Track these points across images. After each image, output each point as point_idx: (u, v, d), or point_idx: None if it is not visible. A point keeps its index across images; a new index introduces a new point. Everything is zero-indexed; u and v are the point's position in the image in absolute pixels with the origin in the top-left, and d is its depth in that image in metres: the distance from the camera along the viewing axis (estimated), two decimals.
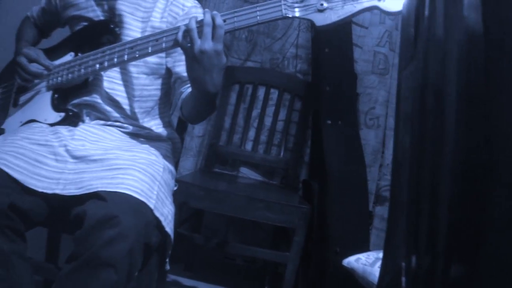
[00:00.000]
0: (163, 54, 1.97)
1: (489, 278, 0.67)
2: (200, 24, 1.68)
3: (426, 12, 0.81)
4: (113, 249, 1.52)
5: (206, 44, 1.66)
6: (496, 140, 0.58)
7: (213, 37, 1.67)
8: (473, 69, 0.63)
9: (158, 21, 2.00)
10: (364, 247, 2.68)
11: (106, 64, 1.86)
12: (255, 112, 3.24)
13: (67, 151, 1.79)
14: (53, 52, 2.06)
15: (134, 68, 1.99)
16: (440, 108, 0.73)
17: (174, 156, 2.12)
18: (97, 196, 1.61)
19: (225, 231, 3.29)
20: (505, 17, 0.60)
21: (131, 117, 2.00)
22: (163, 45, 1.77)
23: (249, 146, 3.22)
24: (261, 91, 3.24)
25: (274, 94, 3.22)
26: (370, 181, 3.19)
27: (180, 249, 3.03)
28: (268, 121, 3.22)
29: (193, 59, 1.68)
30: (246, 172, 3.27)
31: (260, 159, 3.19)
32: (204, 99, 1.81)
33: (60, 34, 2.16)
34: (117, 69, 1.97)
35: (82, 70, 1.92)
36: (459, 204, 0.66)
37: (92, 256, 1.52)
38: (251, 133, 3.23)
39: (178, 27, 1.73)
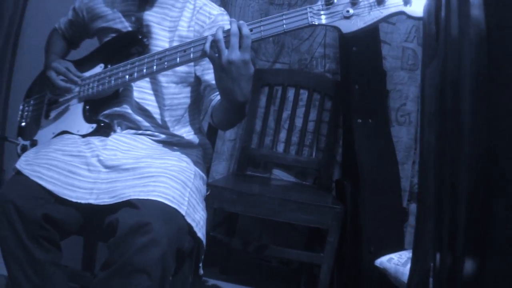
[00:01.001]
0: (191, 63, 1.97)
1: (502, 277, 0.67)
2: (227, 34, 1.68)
3: (443, 12, 0.81)
4: (146, 256, 1.54)
5: (234, 54, 1.66)
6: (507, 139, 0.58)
7: (240, 47, 1.67)
8: (482, 67, 0.63)
9: (186, 30, 2.01)
10: (398, 246, 2.66)
11: (135, 75, 1.89)
12: (286, 114, 3.24)
13: (100, 161, 1.81)
14: (83, 64, 2.09)
15: (164, 78, 2.00)
16: (456, 107, 0.73)
17: (205, 161, 2.13)
18: (129, 204, 1.64)
19: (260, 233, 3.30)
20: (505, 17, 0.60)
21: (162, 126, 2.02)
22: (191, 55, 1.78)
23: (280, 147, 3.22)
24: (291, 93, 3.23)
25: (304, 94, 3.22)
26: (404, 178, 3.17)
27: (216, 252, 3.05)
28: (299, 122, 3.22)
29: (221, 69, 1.68)
30: (278, 174, 3.27)
31: (292, 160, 3.19)
32: (234, 108, 1.82)
33: (90, 45, 2.19)
34: (147, 79, 1.99)
35: (113, 82, 1.95)
36: (476, 203, 0.66)
37: (126, 262, 1.55)
38: (282, 135, 3.23)
39: (206, 38, 1.74)
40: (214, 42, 1.70)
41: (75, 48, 2.33)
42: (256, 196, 2.59)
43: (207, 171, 2.21)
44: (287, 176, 3.27)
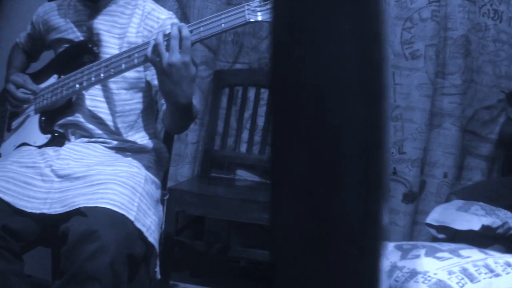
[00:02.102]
0: (141, 68, 1.99)
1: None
2: (168, 37, 1.69)
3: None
4: (95, 263, 1.58)
5: (174, 56, 1.67)
6: None
7: (180, 49, 1.67)
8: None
9: (134, 36, 2.02)
10: None
11: (85, 84, 1.92)
12: (247, 114, 3.23)
13: (53, 171, 1.85)
14: (39, 76, 2.13)
15: (114, 85, 2.02)
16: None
17: (159, 166, 2.13)
18: (79, 212, 1.68)
19: (227, 235, 3.29)
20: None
21: (115, 133, 2.04)
22: (135, 61, 1.81)
23: (243, 148, 3.20)
24: (252, 92, 3.22)
25: (265, 93, 3.21)
26: None
27: (185, 256, 3.04)
28: (260, 121, 3.21)
29: (163, 72, 1.69)
30: (242, 174, 3.26)
31: (255, 160, 3.18)
32: (179, 111, 1.81)
33: (49, 57, 2.22)
34: (98, 86, 2.01)
35: (64, 92, 1.98)
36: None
37: (77, 270, 1.59)
38: (245, 135, 3.22)
39: (148, 42, 1.75)
40: (155, 46, 1.70)
41: (35, 61, 2.37)
42: (216, 198, 2.59)
43: (165, 175, 2.22)
44: (251, 176, 3.26)
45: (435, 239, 2.57)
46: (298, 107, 0.41)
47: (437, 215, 2.53)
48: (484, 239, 2.46)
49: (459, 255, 1.76)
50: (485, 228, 2.39)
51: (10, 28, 3.34)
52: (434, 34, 3.19)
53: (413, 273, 1.64)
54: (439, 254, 1.75)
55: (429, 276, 1.61)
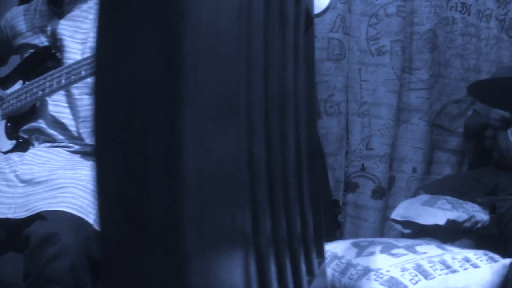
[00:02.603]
0: None
1: None
2: None
3: None
4: (56, 266, 1.59)
5: None
6: None
7: None
8: None
9: None
10: (330, 237, 2.65)
11: (47, 90, 1.92)
12: None
13: (17, 176, 1.85)
14: (5, 82, 2.13)
15: (77, 90, 2.02)
16: None
17: None
18: (40, 216, 1.68)
19: None
20: None
21: (77, 138, 2.03)
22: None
23: None
24: None
25: None
26: (338, 169, 3.17)
27: None
28: None
29: None
30: None
31: None
32: None
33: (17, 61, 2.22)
34: (62, 92, 2.00)
35: (28, 98, 1.98)
36: None
37: (39, 274, 1.60)
38: None
39: None
40: None
41: (3, 65, 2.33)
42: None
43: None
44: None
45: (404, 235, 2.58)
46: (109, 113, 0.40)
47: (402, 210, 2.53)
48: (451, 233, 2.46)
49: (415, 251, 1.75)
50: (450, 222, 2.39)
51: None
52: (400, 30, 3.19)
53: (366, 271, 1.63)
54: (394, 251, 1.74)
55: (382, 274, 1.60)
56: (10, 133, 2.04)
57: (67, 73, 1.86)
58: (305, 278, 1.10)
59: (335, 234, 2.92)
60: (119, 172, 0.39)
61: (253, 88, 0.59)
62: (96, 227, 1.71)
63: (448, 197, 2.58)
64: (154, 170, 0.40)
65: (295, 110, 1.15)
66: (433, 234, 2.43)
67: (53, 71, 1.90)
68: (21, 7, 2.16)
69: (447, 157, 3.28)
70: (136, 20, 0.42)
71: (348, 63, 3.20)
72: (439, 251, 1.79)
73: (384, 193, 3.20)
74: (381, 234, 3.12)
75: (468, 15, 3.27)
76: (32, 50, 2.07)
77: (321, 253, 1.35)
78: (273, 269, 0.79)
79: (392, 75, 3.18)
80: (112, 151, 0.39)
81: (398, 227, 2.53)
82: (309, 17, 1.30)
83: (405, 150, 3.19)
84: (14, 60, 2.30)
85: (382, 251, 1.74)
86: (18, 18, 2.12)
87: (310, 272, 1.21)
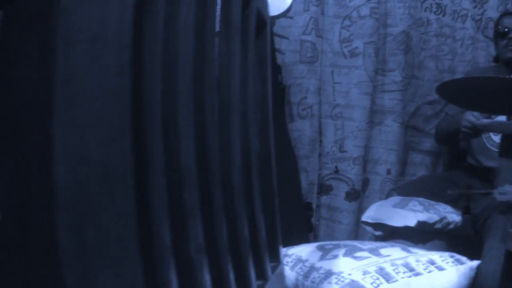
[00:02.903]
0: None
1: None
2: None
3: None
4: None
5: None
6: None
7: None
8: None
9: None
10: (302, 240, 2.64)
11: None
12: None
13: None
14: None
15: None
16: None
17: None
18: None
19: None
20: None
21: None
22: None
23: None
24: None
25: None
26: (311, 171, 3.16)
27: None
28: None
29: None
30: None
31: None
32: None
33: None
34: None
35: None
36: None
37: None
38: None
39: None
40: None
41: None
42: None
43: None
44: None
45: (376, 237, 2.57)
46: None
47: (373, 212, 2.52)
48: (422, 234, 2.46)
49: (378, 254, 1.74)
50: (421, 224, 2.38)
51: None
52: (373, 32, 3.19)
53: (328, 274, 1.62)
54: (358, 254, 1.74)
55: (343, 277, 1.59)
56: None
57: None
58: (254, 282, 1.09)
59: (308, 237, 2.91)
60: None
61: (146, 96, 0.57)
62: None
63: (420, 199, 2.57)
64: (28, 177, 0.39)
65: (242, 114, 1.14)
66: (404, 236, 2.42)
67: None
68: None
69: (422, 158, 3.28)
70: (14, 32, 0.41)
71: (321, 65, 3.19)
72: (403, 254, 1.78)
73: (358, 195, 3.19)
74: (356, 236, 3.11)
75: (443, 16, 3.27)
76: None
77: (276, 257, 1.34)
78: (203, 275, 0.77)
79: (365, 77, 3.18)
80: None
81: (369, 229, 2.52)
82: (261, 21, 1.29)
83: (379, 152, 3.18)
84: None
85: (345, 254, 1.74)
86: None
87: (262, 276, 1.20)
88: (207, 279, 0.80)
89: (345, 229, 3.17)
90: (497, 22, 2.90)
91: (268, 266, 1.22)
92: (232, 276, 0.94)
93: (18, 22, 0.42)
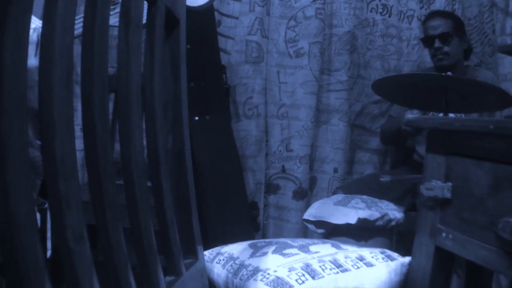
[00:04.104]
0: None
1: None
2: None
3: None
4: None
5: (29, 62, 1.67)
6: None
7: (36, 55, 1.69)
8: None
9: None
10: (250, 239, 2.65)
11: None
12: None
13: None
14: None
15: None
16: None
17: (34, 174, 2.08)
18: None
19: None
20: None
21: None
22: None
23: None
24: None
25: None
26: (258, 171, 3.17)
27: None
28: None
29: None
30: None
31: None
32: None
33: None
34: None
35: None
36: None
37: None
38: None
39: None
40: None
41: None
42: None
43: (43, 183, 2.16)
44: None
45: (318, 235, 2.58)
46: None
47: (315, 210, 2.53)
48: (365, 232, 2.47)
49: (307, 251, 1.76)
50: (361, 221, 2.40)
51: None
52: (318, 32, 3.22)
53: (255, 271, 1.63)
54: (287, 251, 1.75)
55: (269, 274, 1.60)
56: None
57: None
58: (161, 276, 1.09)
59: (254, 236, 2.92)
60: None
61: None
62: None
63: (364, 196, 2.59)
64: None
65: (148, 111, 1.15)
66: (346, 234, 2.43)
67: None
68: None
69: (369, 157, 3.31)
70: None
71: (266, 65, 3.20)
72: (332, 250, 1.79)
73: (306, 194, 3.21)
74: (304, 235, 3.13)
75: (389, 16, 3.31)
76: None
77: (193, 253, 1.35)
78: (84, 265, 0.78)
79: (311, 77, 3.20)
80: None
81: (311, 227, 2.53)
82: (173, 18, 1.29)
83: (325, 150, 3.21)
84: None
85: (274, 251, 1.74)
86: None
87: (174, 272, 1.21)
88: (91, 269, 0.80)
89: (293, 228, 3.19)
90: (423, 27, 2.94)
91: (181, 261, 1.23)
92: (130, 272, 0.94)
93: None
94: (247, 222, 2.82)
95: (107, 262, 0.90)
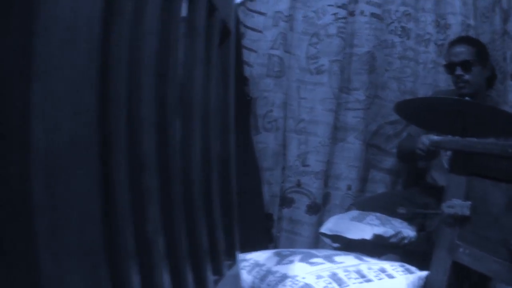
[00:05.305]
0: None
1: None
2: None
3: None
4: None
5: None
6: None
7: None
8: None
9: None
10: (263, 249, 2.69)
11: None
12: None
13: None
14: None
15: None
16: None
17: None
18: None
19: None
20: None
21: None
22: None
23: None
24: None
25: None
26: (274, 184, 3.22)
27: None
28: None
29: None
30: None
31: None
32: None
33: None
34: None
35: None
36: None
37: None
38: None
39: None
40: None
41: None
42: None
43: None
44: None
45: (333, 249, 2.64)
46: None
47: (331, 224, 2.59)
48: (378, 248, 2.53)
49: (332, 261, 1.81)
50: (377, 237, 2.45)
51: None
52: (339, 50, 3.27)
53: (284, 277, 1.69)
54: (313, 260, 1.80)
55: (297, 280, 1.65)
56: None
57: None
58: (210, 276, 1.15)
59: (267, 246, 2.96)
60: None
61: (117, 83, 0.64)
62: None
63: (378, 214, 2.65)
64: (7, 137, 0.45)
65: (204, 115, 1.20)
66: (360, 249, 2.49)
67: None
68: None
69: (382, 176, 3.37)
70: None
71: (287, 80, 3.26)
72: (356, 262, 1.85)
73: (319, 209, 3.26)
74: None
75: (408, 39, 3.38)
76: None
77: (232, 256, 1.40)
78: (160, 255, 0.83)
79: (330, 94, 3.25)
80: None
81: (327, 241, 2.58)
82: (226, 30, 1.35)
83: (340, 168, 3.26)
84: None
85: (301, 260, 1.80)
86: None
87: (219, 272, 1.26)
88: (163, 260, 0.85)
89: (305, 242, 3.23)
90: (447, 53, 2.98)
91: (225, 263, 1.28)
92: (189, 268, 0.99)
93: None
94: (263, 233, 2.87)
95: (170, 257, 0.95)
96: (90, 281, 0.54)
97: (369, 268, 1.81)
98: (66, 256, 0.48)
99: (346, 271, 1.75)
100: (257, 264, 1.85)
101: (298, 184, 3.26)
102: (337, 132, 3.26)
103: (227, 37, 1.39)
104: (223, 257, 1.27)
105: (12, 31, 0.45)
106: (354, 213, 2.69)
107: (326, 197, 3.26)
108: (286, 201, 3.27)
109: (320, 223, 3.19)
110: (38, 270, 0.45)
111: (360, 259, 1.90)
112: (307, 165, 3.26)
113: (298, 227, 3.26)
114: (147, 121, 0.81)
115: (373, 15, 3.28)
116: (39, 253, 0.45)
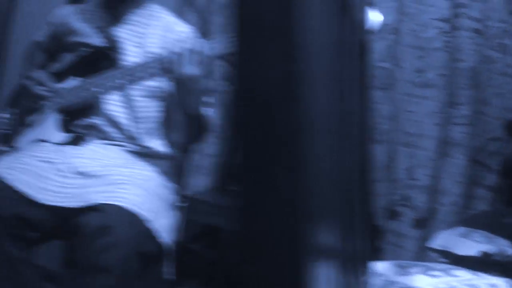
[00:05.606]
0: (163, 78, 2.10)
1: None
2: (185, 51, 1.85)
3: None
4: (109, 256, 1.69)
5: (187, 69, 1.83)
6: None
7: (193, 63, 1.84)
8: None
9: (154, 46, 2.14)
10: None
11: (105, 89, 2.04)
12: None
13: (70, 167, 1.95)
14: (59, 76, 2.21)
15: (135, 92, 2.12)
16: None
17: (175, 173, 2.23)
18: (94, 208, 1.78)
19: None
20: None
21: (132, 137, 2.12)
22: (154, 71, 1.94)
23: None
24: None
25: None
26: (381, 196, 3.23)
27: (196, 265, 3.10)
28: None
29: (176, 83, 1.93)
30: None
31: None
32: (188, 121, 2.07)
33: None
34: (119, 92, 2.10)
35: (84, 94, 2.09)
36: None
37: (90, 262, 1.70)
38: None
39: (167, 54, 1.90)
40: (174, 59, 1.86)
41: (53, 61, 2.38)
42: (229, 209, 2.67)
43: (181, 183, 2.30)
44: None
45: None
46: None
47: (440, 240, 2.62)
48: (482, 265, 2.54)
49: (450, 274, 1.87)
50: (483, 254, 2.48)
51: (25, 25, 3.47)
52: (445, 64, 3.26)
53: None
54: (432, 272, 1.86)
55: None
56: (63, 126, 2.12)
57: (126, 74, 2.00)
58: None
59: (375, 258, 2.99)
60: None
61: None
62: (149, 224, 1.81)
63: (483, 231, 2.66)
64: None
65: (350, 130, 1.28)
66: (465, 265, 2.51)
67: (112, 71, 2.04)
68: (74, 6, 2.28)
69: (483, 193, 3.33)
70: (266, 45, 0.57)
71: (395, 93, 3.28)
72: (469, 276, 1.91)
73: (425, 224, 3.25)
74: None
75: (505, 55, 3.32)
76: (86, 49, 2.17)
77: (365, 270, 1.47)
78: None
79: (437, 108, 3.25)
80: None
81: (435, 256, 2.61)
82: (362, 45, 1.43)
83: (446, 183, 3.24)
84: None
85: (421, 272, 1.86)
86: (71, 16, 2.24)
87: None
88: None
89: (408, 255, 3.23)
90: None
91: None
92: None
93: None
94: (371, 244, 2.90)
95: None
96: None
97: (483, 284, 1.86)
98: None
99: (463, 284, 1.80)
100: (375, 274, 1.90)
101: (405, 198, 3.27)
102: (444, 146, 3.24)
103: (363, 52, 1.46)
104: (366, 260, 1.34)
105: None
106: (461, 229, 2.71)
107: (432, 212, 3.25)
108: (392, 214, 3.28)
109: (425, 237, 3.18)
110: None
111: (473, 274, 1.95)
112: (415, 179, 3.26)
113: (403, 240, 3.27)
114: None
115: (475, 30, 3.25)
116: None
